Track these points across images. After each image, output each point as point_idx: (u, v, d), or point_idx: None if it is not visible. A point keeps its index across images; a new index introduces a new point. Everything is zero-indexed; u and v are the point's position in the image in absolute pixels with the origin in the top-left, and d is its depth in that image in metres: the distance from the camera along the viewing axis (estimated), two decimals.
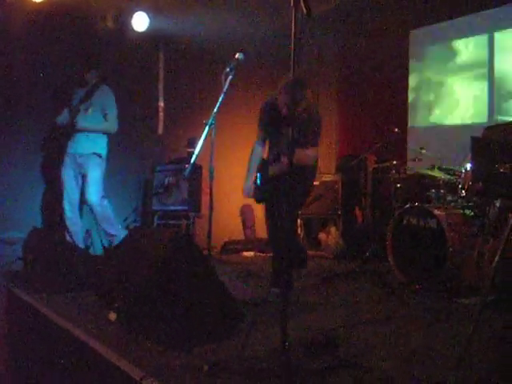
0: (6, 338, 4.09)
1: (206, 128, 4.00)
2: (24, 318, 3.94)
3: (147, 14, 6.94)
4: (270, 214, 4.39)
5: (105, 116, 5.69)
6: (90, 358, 2.82)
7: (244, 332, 2.98)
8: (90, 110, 5.55)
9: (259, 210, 8.04)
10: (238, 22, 6.75)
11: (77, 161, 5.64)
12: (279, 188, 4.24)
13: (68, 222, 5.64)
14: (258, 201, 4.51)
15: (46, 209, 6.22)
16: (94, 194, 5.61)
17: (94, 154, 5.64)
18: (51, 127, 5.84)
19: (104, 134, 5.72)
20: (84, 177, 5.66)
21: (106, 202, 5.70)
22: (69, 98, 5.75)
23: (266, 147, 4.56)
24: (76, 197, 5.71)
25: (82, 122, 5.54)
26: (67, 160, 5.65)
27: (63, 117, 5.66)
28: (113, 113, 5.72)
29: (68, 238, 5.54)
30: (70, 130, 5.56)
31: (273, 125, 4.35)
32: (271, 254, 4.55)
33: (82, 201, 5.75)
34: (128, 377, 2.44)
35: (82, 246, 5.59)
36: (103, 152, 5.71)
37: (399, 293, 4.40)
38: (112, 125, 5.72)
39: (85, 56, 5.86)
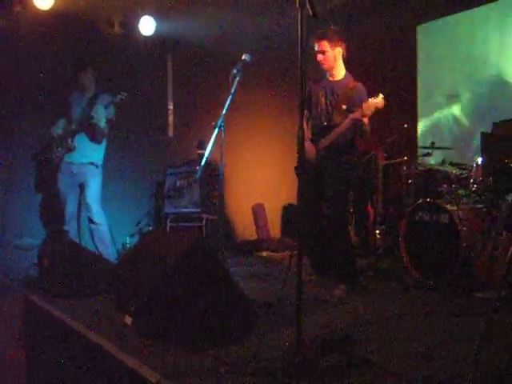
0: (23, 343, 4.12)
1: (216, 130, 4.03)
2: (40, 323, 3.98)
3: (154, 17, 6.97)
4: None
5: (108, 122, 5.54)
6: (107, 361, 2.84)
7: (259, 332, 3.00)
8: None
9: (271, 209, 8.07)
10: (245, 23, 6.75)
11: (72, 171, 5.55)
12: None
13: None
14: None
15: (46, 217, 6.17)
16: (94, 200, 5.54)
17: (91, 163, 5.56)
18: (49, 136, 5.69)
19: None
20: (82, 186, 5.57)
21: (103, 216, 5.61)
22: (68, 106, 5.68)
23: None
24: (72, 207, 5.62)
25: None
26: (63, 168, 5.56)
27: (57, 127, 5.56)
28: (107, 117, 5.51)
29: None
30: (65, 142, 5.49)
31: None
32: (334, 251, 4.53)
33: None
34: (144, 380, 2.46)
35: None
36: (99, 162, 5.62)
37: (413, 289, 4.40)
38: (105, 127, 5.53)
39: (78, 57, 5.85)
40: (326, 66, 4.45)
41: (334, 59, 4.41)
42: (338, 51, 4.40)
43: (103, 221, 5.59)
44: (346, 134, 4.34)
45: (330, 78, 4.51)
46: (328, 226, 4.37)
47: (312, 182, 4.40)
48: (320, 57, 4.39)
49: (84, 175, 5.55)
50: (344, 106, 4.35)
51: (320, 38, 4.35)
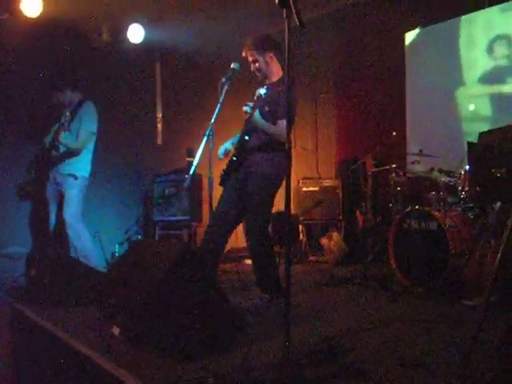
0: (10, 353, 4.09)
1: (204, 138, 4.03)
2: (28, 333, 3.94)
3: (142, 25, 6.97)
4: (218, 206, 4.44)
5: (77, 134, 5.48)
6: (95, 372, 2.82)
7: (247, 342, 2.99)
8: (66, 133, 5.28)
9: None
10: (234, 32, 6.77)
11: (56, 180, 5.57)
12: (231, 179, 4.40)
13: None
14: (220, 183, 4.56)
15: (34, 227, 6.15)
16: (68, 213, 5.45)
17: (70, 175, 5.49)
18: (41, 147, 5.68)
19: (74, 153, 5.50)
20: (62, 196, 5.56)
21: (82, 226, 5.50)
22: (58, 118, 5.58)
23: None
24: (53, 217, 5.64)
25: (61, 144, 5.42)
26: (50, 178, 5.60)
27: (49, 138, 5.56)
28: (85, 131, 5.48)
29: None
30: (53, 151, 5.48)
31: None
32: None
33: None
34: None
35: None
36: (80, 173, 5.52)
37: (402, 297, 4.40)
38: (79, 144, 5.47)
39: (59, 76, 5.80)
40: (261, 74, 4.46)
41: (267, 65, 4.42)
42: (270, 56, 4.39)
43: (79, 234, 5.47)
44: (258, 133, 4.31)
45: (266, 81, 4.51)
46: (250, 242, 4.33)
47: (234, 190, 4.40)
48: (253, 67, 4.41)
49: (63, 186, 5.54)
50: (267, 108, 4.27)
51: (248, 50, 4.38)
